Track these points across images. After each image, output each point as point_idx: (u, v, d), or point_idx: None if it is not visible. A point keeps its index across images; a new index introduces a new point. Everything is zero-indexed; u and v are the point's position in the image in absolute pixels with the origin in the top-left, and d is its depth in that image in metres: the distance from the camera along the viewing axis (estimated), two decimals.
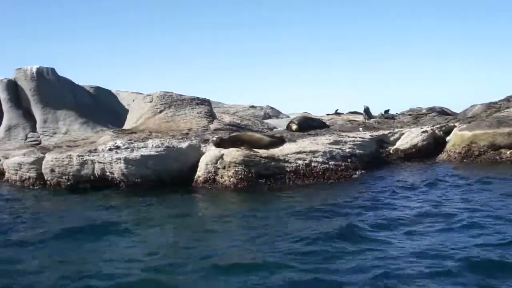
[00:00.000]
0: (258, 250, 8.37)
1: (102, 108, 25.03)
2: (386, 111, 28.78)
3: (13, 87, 24.18)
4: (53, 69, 23.96)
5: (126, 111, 26.74)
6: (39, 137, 23.74)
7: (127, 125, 19.85)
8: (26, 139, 23.69)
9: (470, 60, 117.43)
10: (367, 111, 28.80)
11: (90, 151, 15.80)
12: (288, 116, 31.94)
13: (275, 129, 21.67)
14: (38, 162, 17.01)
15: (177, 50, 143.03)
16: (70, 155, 15.95)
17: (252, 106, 34.21)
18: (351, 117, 31.84)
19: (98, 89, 25.67)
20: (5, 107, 24.53)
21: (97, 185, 15.66)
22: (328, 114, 34.07)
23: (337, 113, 34.72)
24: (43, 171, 16.32)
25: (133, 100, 28.41)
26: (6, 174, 18.23)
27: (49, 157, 16.22)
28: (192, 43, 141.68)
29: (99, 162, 15.55)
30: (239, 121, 20.68)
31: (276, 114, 33.86)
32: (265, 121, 24.93)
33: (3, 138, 24.37)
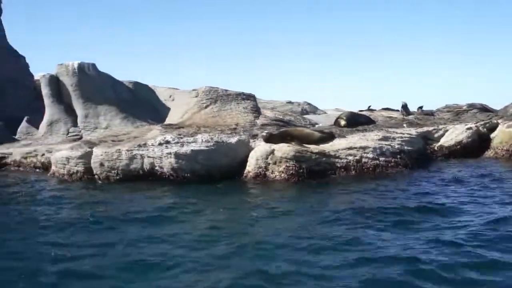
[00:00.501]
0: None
1: (141, 103, 25.09)
2: (420, 107, 28.41)
3: (55, 83, 24.37)
4: (94, 65, 24.08)
5: (164, 106, 26.86)
6: (80, 131, 23.89)
7: (170, 120, 19.83)
8: (67, 134, 23.88)
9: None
10: (405, 107, 28.39)
11: (139, 146, 15.84)
12: (324, 112, 31.74)
13: (317, 125, 21.52)
14: (86, 156, 17.12)
15: (213, 45, 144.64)
16: (119, 149, 16.02)
17: (289, 102, 34.04)
18: (385, 113, 31.44)
19: (136, 84, 25.75)
20: (47, 102, 24.76)
21: (146, 179, 15.72)
22: (360, 111, 33.73)
23: (369, 109, 34.33)
24: (92, 165, 16.41)
25: (170, 96, 28.48)
26: (53, 168, 18.36)
27: (98, 152, 16.31)
28: (227, 37, 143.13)
29: (149, 157, 15.59)
30: (281, 117, 20.54)
31: (313, 110, 33.64)
32: (305, 116, 24.76)
33: (45, 133, 24.61)
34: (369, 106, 34.91)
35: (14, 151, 23.20)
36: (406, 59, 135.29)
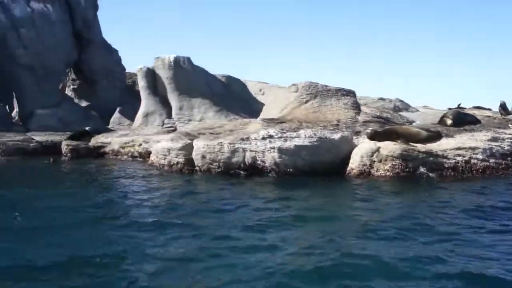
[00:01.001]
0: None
1: (234, 97, 25.28)
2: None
3: (151, 75, 24.97)
4: (189, 58, 24.47)
5: (255, 100, 26.93)
6: (174, 123, 24.36)
7: (267, 114, 19.77)
8: (162, 125, 24.41)
9: None
10: (503, 106, 26.96)
11: (242, 139, 15.86)
12: (417, 110, 30.75)
13: (414, 123, 20.78)
14: (186, 148, 17.38)
15: (301, 41, 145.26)
16: (221, 142, 16.10)
17: (381, 99, 33.28)
18: (477, 112, 30.05)
19: (229, 78, 25.94)
20: (143, 94, 25.42)
21: (246, 173, 15.71)
22: (449, 109, 32.43)
23: (459, 107, 32.94)
24: (193, 157, 16.61)
25: (260, 90, 28.53)
26: (153, 158, 18.80)
27: (200, 144, 16.48)
28: (313, 33, 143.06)
29: (251, 151, 15.58)
30: (378, 113, 19.98)
31: (406, 107, 32.69)
32: (400, 114, 24.03)
33: (141, 124, 25.28)
34: (459, 104, 33.49)
35: (113, 141, 24.03)
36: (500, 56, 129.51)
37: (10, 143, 26.79)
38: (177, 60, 24.13)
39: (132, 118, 34.78)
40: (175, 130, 23.96)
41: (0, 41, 31.78)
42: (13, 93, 34.24)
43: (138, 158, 22.37)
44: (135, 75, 42.61)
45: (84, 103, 36.13)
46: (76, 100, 36.67)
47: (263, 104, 26.73)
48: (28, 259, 7.45)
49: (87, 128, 26.66)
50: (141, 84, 25.36)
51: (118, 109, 35.14)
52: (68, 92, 37.63)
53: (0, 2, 31.88)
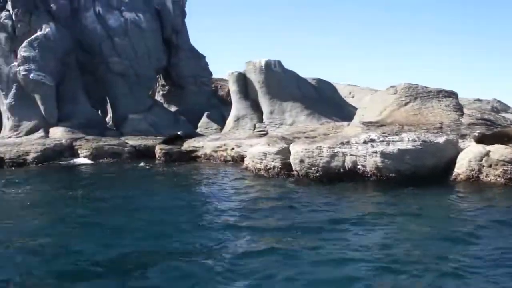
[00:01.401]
0: None
1: (324, 100, 24.99)
2: None
3: (242, 80, 25.16)
4: (279, 62, 24.45)
5: (346, 103, 26.53)
6: (265, 127, 24.40)
7: (363, 117, 19.32)
8: (254, 129, 24.50)
9: None
10: None
11: (342, 143, 15.56)
12: None
13: None
14: (283, 152, 17.32)
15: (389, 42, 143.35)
16: (320, 146, 15.89)
17: (477, 100, 31.89)
18: None
19: (319, 81, 25.69)
20: (234, 98, 25.67)
21: (344, 178, 15.39)
22: None
23: None
24: (292, 161, 16.49)
25: (350, 93, 28.09)
26: (249, 162, 18.84)
27: (298, 148, 16.34)
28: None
29: (351, 155, 15.25)
30: (480, 115, 19.03)
31: (505, 108, 31.13)
32: (503, 115, 22.85)
33: (232, 128, 25.51)
34: None
35: (205, 145, 24.39)
36: None
37: (106, 147, 27.82)
38: (268, 64, 24.16)
39: (218, 122, 35.37)
40: (266, 134, 24.01)
41: (96, 50, 33.29)
42: (108, 99, 35.70)
43: (231, 162, 22.54)
44: (220, 80, 43.48)
45: (173, 108, 37.11)
46: (165, 105, 37.71)
47: (354, 107, 26.29)
48: (129, 250, 8.70)
49: (179, 133, 27.28)
50: (232, 88, 25.61)
51: (206, 113, 35.78)
52: (158, 97, 38.79)
53: (97, 14, 33.32)
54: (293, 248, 8.44)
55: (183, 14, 38.00)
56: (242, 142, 22.81)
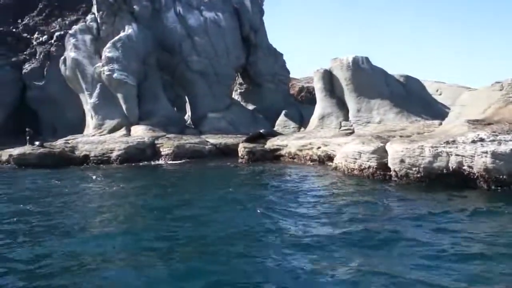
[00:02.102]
0: None
1: (413, 98, 23.90)
2: None
3: (328, 77, 24.50)
4: (367, 58, 23.59)
5: (435, 101, 25.36)
6: (351, 125, 23.63)
7: (463, 115, 18.23)
8: (340, 127, 23.79)
9: None
10: None
11: (446, 143, 14.62)
12: None
13: None
14: (378, 151, 16.57)
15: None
16: (422, 145, 15.01)
17: None
18: None
19: (407, 78, 24.61)
20: (319, 96, 25.05)
21: (447, 179, 14.46)
22: None
23: None
24: (390, 161, 15.72)
25: (437, 90, 26.84)
26: (341, 161, 18.20)
27: (398, 147, 15.55)
28: None
29: (457, 155, 14.28)
30: None
31: None
32: None
33: (317, 127, 24.90)
34: None
35: (290, 144, 23.93)
36: None
37: (188, 145, 27.88)
38: (356, 61, 23.35)
39: (296, 120, 34.86)
40: (352, 132, 23.26)
41: (176, 50, 33.59)
42: (186, 98, 35.98)
43: (317, 161, 21.95)
44: (293, 79, 43.06)
45: (250, 106, 36.94)
46: (242, 104, 37.61)
47: (443, 105, 25.09)
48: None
49: (261, 131, 26.95)
50: (318, 86, 24.95)
51: (283, 112, 35.36)
52: (235, 96, 38.76)
53: (177, 14, 33.63)
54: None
55: (261, 12, 37.80)
56: (329, 141, 22.17)
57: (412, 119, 22.55)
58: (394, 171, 15.61)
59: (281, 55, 38.32)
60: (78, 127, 37.74)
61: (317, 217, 11.07)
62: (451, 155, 14.42)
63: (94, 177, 20.60)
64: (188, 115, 36.93)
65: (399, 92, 23.74)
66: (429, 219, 10.45)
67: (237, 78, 38.48)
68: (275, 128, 32.70)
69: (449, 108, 24.46)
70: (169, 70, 34.77)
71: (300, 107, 37.92)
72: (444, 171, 14.61)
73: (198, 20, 34.26)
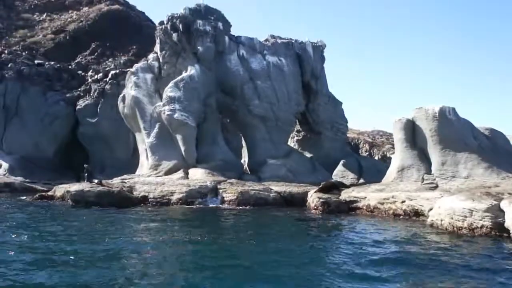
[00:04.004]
0: None
1: (500, 152, 22.50)
2: None
3: (410, 127, 23.32)
4: (454, 109, 22.38)
5: None
6: (434, 179, 22.24)
7: None
8: (422, 181, 22.42)
9: None
10: None
11: None
12: None
13: None
14: (492, 209, 15.23)
15: None
16: None
17: None
18: None
19: (492, 131, 23.27)
20: (399, 146, 23.82)
21: None
22: None
23: None
24: (509, 221, 14.35)
25: None
26: (440, 219, 16.80)
27: None
28: None
29: None
30: None
31: None
32: None
33: (395, 178, 23.62)
34: None
35: (368, 196, 22.60)
36: None
37: (252, 191, 26.67)
38: (442, 111, 22.15)
39: (354, 171, 33.58)
40: (436, 187, 21.88)
41: (237, 93, 32.92)
42: (244, 142, 35.08)
43: (401, 216, 20.52)
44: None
45: (307, 155, 35.77)
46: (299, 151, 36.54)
47: None
48: None
49: (333, 180, 25.69)
50: (398, 136, 23.73)
51: (342, 161, 34.20)
52: (291, 143, 37.71)
53: (240, 56, 33.16)
54: None
55: (322, 59, 37.15)
56: (413, 194, 20.83)
57: (503, 175, 21.13)
58: None
59: (340, 103, 37.40)
60: (127, 166, 37.12)
61: None
62: None
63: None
64: (243, 161, 35.91)
65: (486, 146, 22.40)
66: None
67: (295, 125, 37.50)
68: (333, 178, 31.41)
69: None
70: (228, 113, 34.05)
71: (359, 157, 36.70)
72: None
73: (261, 64, 33.67)
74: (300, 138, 37.85)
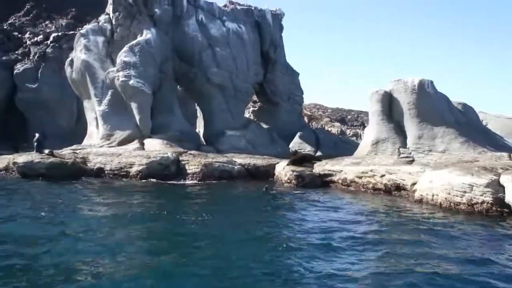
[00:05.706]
0: None
1: (473, 127, 22.48)
2: None
3: (387, 100, 22.76)
4: (432, 82, 21.98)
5: (491, 131, 24.18)
6: (410, 153, 21.92)
7: None
8: (399, 155, 22.02)
9: None
10: None
11: None
12: None
13: None
14: (492, 184, 14.94)
15: None
16: None
17: None
18: None
19: (465, 106, 23.19)
20: (374, 119, 23.23)
21: None
22: None
23: None
24: (508, 196, 14.12)
25: (482, 120, 25.72)
26: (437, 195, 16.40)
27: None
28: None
29: None
30: None
31: None
32: None
33: (370, 152, 23.11)
34: None
35: (345, 170, 21.98)
36: None
37: (216, 164, 25.41)
38: (422, 84, 21.68)
39: (311, 143, 33.06)
40: (413, 160, 21.58)
41: (196, 60, 31.25)
42: (201, 112, 33.58)
43: (382, 191, 20.05)
44: None
45: (263, 126, 34.78)
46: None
47: (500, 136, 23.92)
48: None
49: (304, 152, 24.90)
50: (374, 108, 23.08)
51: (298, 133, 33.65)
52: (247, 114, 36.56)
53: (198, 22, 31.41)
54: None
55: (281, 28, 36.00)
56: (393, 168, 20.39)
57: (479, 150, 21.09)
58: None
59: (298, 74, 36.52)
60: (70, 135, 34.84)
61: None
62: None
63: None
64: (198, 131, 34.41)
65: (462, 121, 22.29)
66: None
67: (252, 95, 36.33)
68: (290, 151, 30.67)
69: (506, 140, 23.33)
70: (184, 81, 32.29)
71: (316, 130, 36.19)
72: None
73: (220, 30, 32.02)
74: (256, 109, 36.80)
